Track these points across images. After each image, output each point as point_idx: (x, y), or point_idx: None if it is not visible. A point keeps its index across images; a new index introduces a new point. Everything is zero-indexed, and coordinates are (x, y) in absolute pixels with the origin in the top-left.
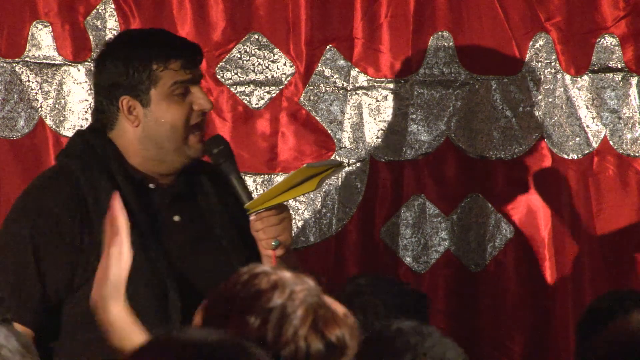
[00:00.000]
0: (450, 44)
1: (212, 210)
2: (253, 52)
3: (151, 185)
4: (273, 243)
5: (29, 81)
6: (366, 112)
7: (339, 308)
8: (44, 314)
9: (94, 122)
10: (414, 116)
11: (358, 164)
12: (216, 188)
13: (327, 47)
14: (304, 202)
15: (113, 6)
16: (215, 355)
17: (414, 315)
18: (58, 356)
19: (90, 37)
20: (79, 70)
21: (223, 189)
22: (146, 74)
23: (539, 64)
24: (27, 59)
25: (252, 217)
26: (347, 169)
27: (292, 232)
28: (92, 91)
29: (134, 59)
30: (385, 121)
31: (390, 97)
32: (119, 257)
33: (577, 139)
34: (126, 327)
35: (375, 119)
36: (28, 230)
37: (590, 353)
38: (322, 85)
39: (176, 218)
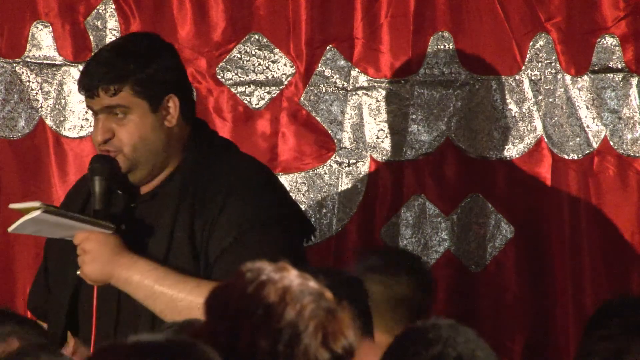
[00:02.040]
0: (451, 44)
1: (163, 231)
2: (253, 53)
3: (118, 192)
4: (77, 272)
5: (29, 81)
6: (366, 113)
7: (342, 312)
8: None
9: None
10: (414, 116)
11: (358, 164)
12: (189, 213)
13: (328, 47)
14: (304, 202)
15: (113, 6)
16: (166, 355)
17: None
18: None
19: (91, 37)
20: (79, 71)
21: (202, 218)
22: None
23: (539, 64)
24: (28, 59)
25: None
26: (347, 169)
27: (95, 269)
28: None
29: None
30: (385, 121)
31: (391, 97)
32: None
33: (578, 139)
34: None
35: (375, 119)
36: None
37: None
38: (322, 85)
39: (122, 227)
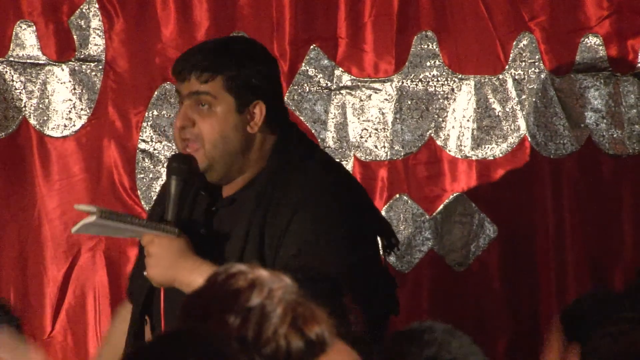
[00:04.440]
0: (434, 43)
1: (236, 241)
2: None
3: (202, 192)
4: (144, 272)
5: (12, 81)
6: (350, 112)
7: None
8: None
9: None
10: (397, 116)
11: (342, 164)
12: (260, 225)
13: (311, 46)
14: None
15: (97, 6)
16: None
17: None
18: None
19: (74, 36)
20: (62, 70)
21: (273, 221)
22: None
23: (523, 63)
24: (11, 59)
25: None
26: None
27: (158, 273)
28: (76, 91)
29: None
30: (369, 121)
31: (374, 96)
32: None
33: (561, 138)
34: None
35: (359, 118)
36: None
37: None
38: (306, 84)
39: (202, 230)
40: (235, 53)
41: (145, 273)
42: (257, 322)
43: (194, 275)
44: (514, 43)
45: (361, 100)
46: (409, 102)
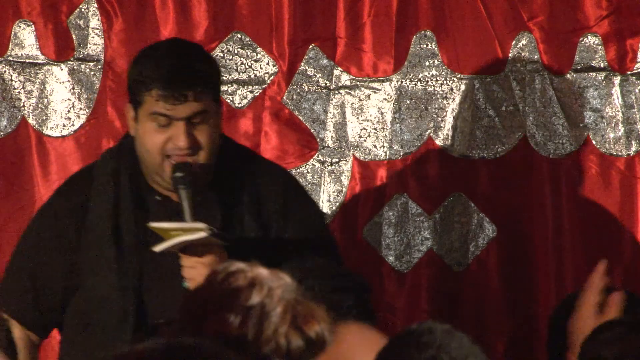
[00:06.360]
0: (433, 43)
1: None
2: (236, 52)
3: (157, 197)
4: (184, 284)
5: (11, 80)
6: (349, 112)
7: (315, 303)
8: (41, 315)
9: None
10: (396, 115)
11: (341, 163)
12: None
13: (310, 46)
14: None
15: (96, 5)
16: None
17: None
18: (60, 357)
19: (73, 36)
20: (61, 70)
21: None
22: (137, 90)
23: (522, 63)
24: (10, 58)
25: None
26: (330, 168)
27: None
28: (75, 90)
29: (137, 72)
30: (368, 120)
31: (373, 96)
32: None
33: (560, 138)
34: None
35: (358, 118)
36: (33, 230)
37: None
38: (305, 84)
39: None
40: (209, 59)
41: (187, 284)
42: (257, 321)
43: None
44: (513, 43)
45: (360, 100)
46: (408, 102)
